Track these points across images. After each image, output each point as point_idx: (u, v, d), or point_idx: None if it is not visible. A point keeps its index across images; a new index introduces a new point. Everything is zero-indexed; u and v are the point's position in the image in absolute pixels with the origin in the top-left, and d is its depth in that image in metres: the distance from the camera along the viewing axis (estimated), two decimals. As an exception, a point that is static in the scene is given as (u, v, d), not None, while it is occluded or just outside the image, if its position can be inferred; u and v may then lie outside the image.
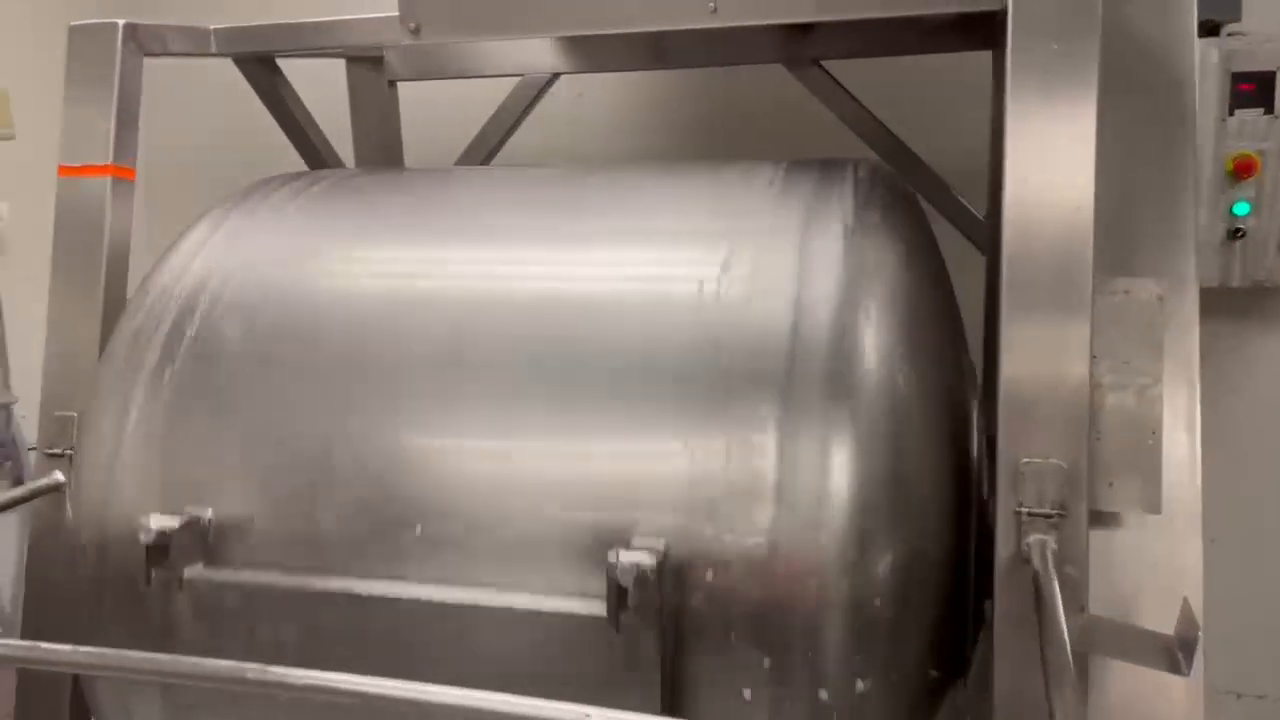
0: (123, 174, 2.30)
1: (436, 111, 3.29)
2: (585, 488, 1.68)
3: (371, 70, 3.15)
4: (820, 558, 1.57)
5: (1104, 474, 1.75)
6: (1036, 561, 1.61)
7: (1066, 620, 1.52)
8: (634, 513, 1.63)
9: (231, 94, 2.94)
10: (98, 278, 2.28)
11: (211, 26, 2.52)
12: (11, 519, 3.25)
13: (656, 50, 2.90)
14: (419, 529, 1.72)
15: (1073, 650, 1.48)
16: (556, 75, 3.02)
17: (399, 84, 3.23)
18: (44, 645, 1.41)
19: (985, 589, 1.76)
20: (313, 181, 2.27)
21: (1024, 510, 1.66)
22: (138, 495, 1.85)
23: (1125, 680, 1.74)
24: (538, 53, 2.97)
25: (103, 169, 2.28)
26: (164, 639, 1.80)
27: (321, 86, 3.14)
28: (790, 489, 1.58)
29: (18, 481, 3.56)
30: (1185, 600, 1.55)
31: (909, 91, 2.99)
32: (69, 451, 2.12)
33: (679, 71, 3.25)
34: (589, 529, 1.64)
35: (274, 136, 3.05)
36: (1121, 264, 1.85)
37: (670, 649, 1.60)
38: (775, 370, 1.64)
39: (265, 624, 1.77)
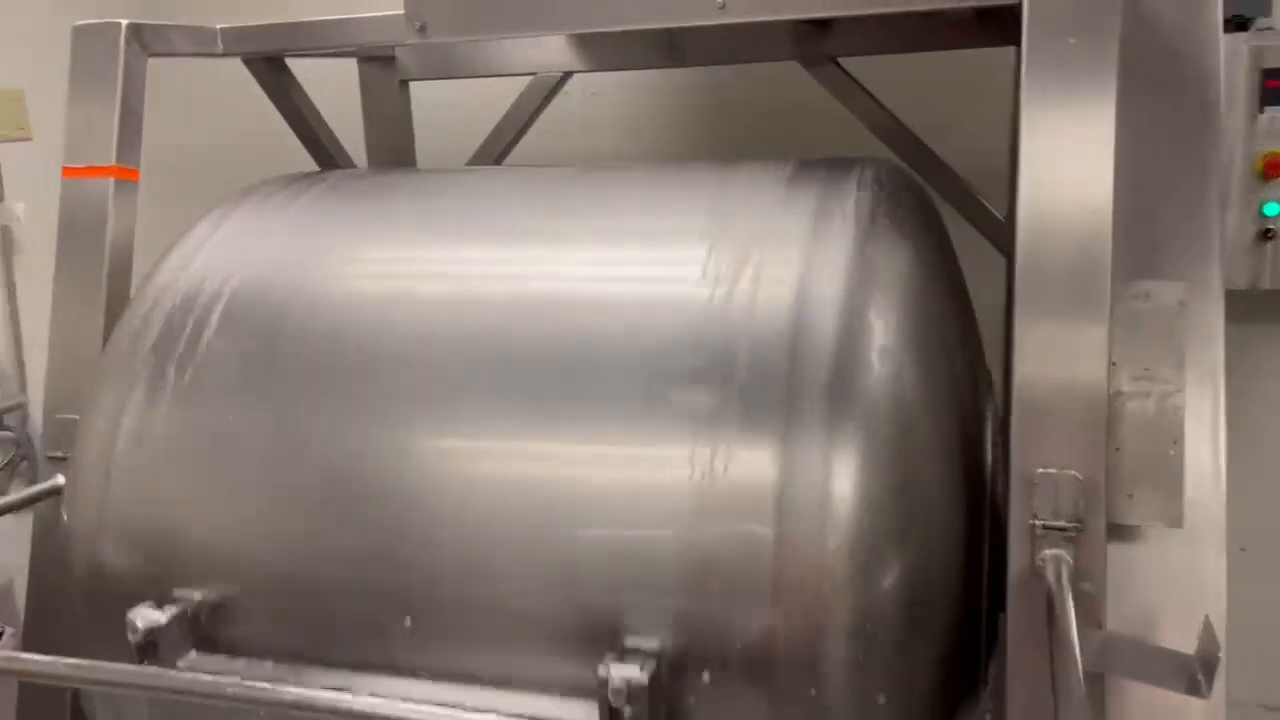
0: (126, 175, 2.28)
1: (450, 112, 3.27)
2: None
3: (383, 70, 3.13)
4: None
5: (1123, 486, 1.68)
6: (1050, 577, 1.55)
7: (1081, 638, 1.47)
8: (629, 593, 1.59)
9: (247, 95, 2.92)
10: (100, 279, 2.26)
11: (218, 26, 2.49)
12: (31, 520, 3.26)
13: (670, 48, 2.86)
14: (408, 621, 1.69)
15: (1089, 669, 1.42)
16: (569, 74, 2.98)
17: (412, 84, 3.20)
18: (23, 655, 1.38)
19: (1002, 601, 1.70)
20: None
21: (1038, 523, 1.60)
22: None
23: (1143, 698, 1.67)
24: (550, 51, 2.94)
25: (106, 170, 2.26)
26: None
27: (335, 87, 3.13)
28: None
29: (34, 482, 3.56)
30: (1206, 618, 1.49)
31: (930, 89, 2.93)
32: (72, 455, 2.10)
33: (694, 70, 3.20)
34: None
35: (291, 138, 3.03)
36: (1142, 267, 1.78)
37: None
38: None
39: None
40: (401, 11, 2.26)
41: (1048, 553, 1.59)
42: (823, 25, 2.66)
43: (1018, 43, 2.05)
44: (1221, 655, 1.46)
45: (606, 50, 2.91)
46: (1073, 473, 1.60)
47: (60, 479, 2.08)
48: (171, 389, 1.87)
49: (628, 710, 1.49)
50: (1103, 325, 1.62)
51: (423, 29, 2.28)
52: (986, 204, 2.66)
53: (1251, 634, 2.09)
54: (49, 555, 2.17)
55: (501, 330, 1.80)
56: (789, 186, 1.89)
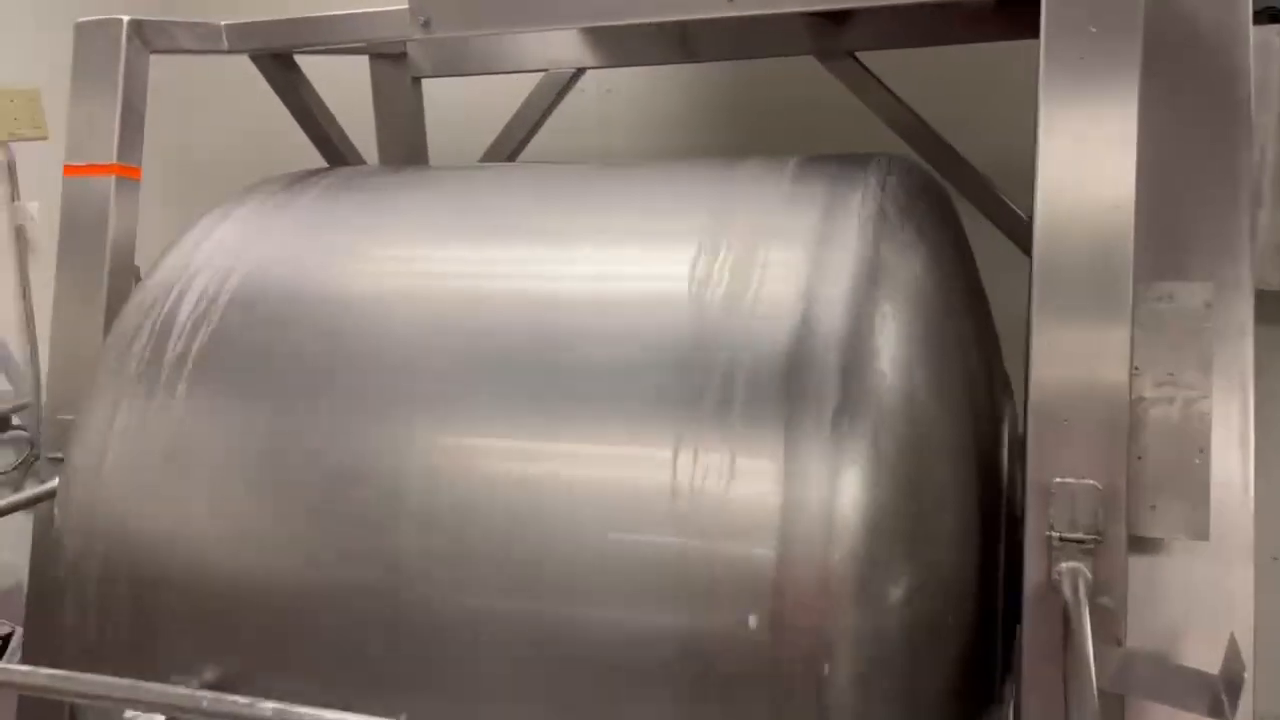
0: (127, 173, 2.25)
1: (463, 110, 3.23)
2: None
3: (394, 67, 3.09)
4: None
5: (1145, 496, 1.60)
6: (1067, 591, 1.48)
7: (1099, 655, 1.40)
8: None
9: (263, 93, 2.89)
10: (101, 279, 2.23)
11: (223, 22, 2.46)
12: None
13: (683, 43, 2.80)
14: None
15: (1107, 689, 1.35)
16: (581, 70, 2.93)
17: (424, 81, 3.16)
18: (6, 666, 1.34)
19: (1019, 614, 1.63)
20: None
21: (1055, 535, 1.53)
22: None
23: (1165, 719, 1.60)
24: (562, 47, 2.89)
25: (107, 168, 2.23)
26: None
27: (349, 86, 3.10)
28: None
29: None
30: (1232, 636, 1.42)
31: (949, 84, 2.86)
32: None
33: (710, 66, 3.15)
34: None
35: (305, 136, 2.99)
36: (1168, 268, 1.70)
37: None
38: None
39: None
40: (406, 7, 2.22)
41: (1065, 565, 1.53)
42: (839, 19, 2.60)
43: (1039, 34, 1.98)
44: (1248, 675, 1.39)
45: (619, 46, 2.87)
46: (1091, 482, 1.53)
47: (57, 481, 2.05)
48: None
49: None
50: (1124, 327, 1.55)
51: (427, 24, 2.23)
52: (1009, 202, 2.59)
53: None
54: (48, 553, 2.14)
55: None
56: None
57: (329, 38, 2.49)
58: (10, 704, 2.23)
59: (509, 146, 3.05)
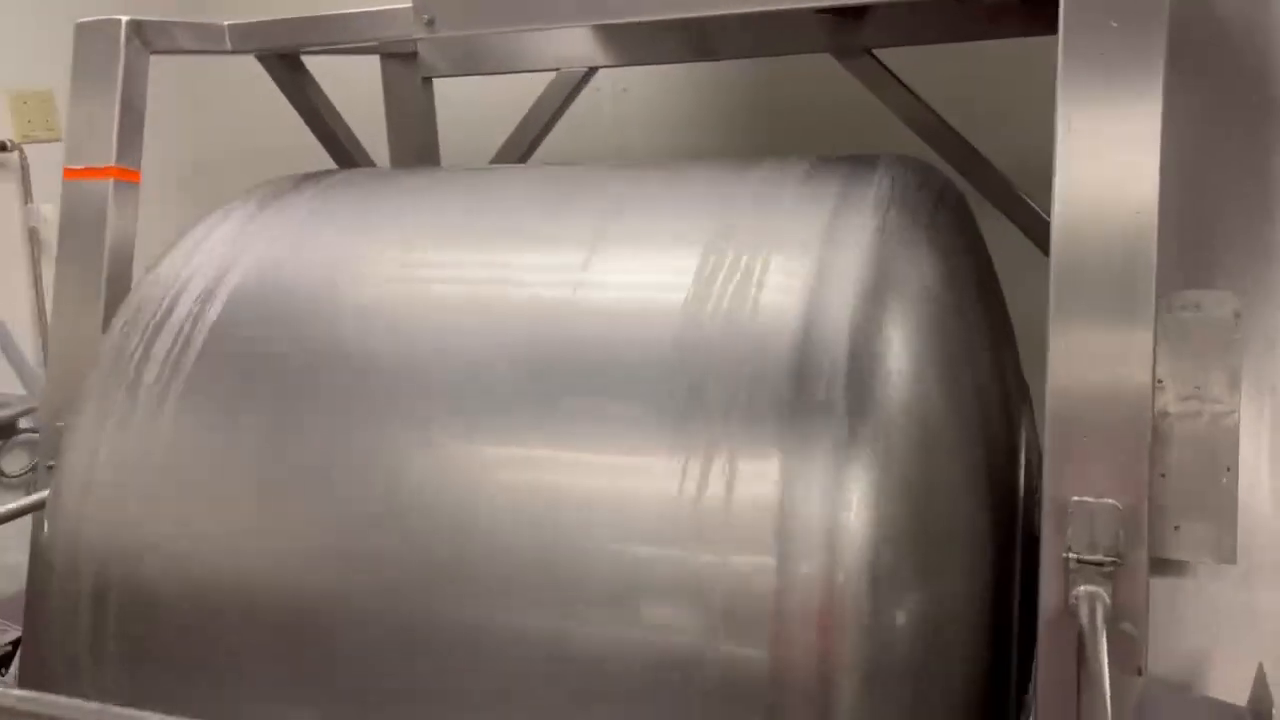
0: (126, 176, 2.22)
1: (475, 109, 3.19)
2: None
3: (405, 67, 3.05)
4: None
5: (1169, 516, 1.52)
6: (1083, 616, 1.41)
7: (1118, 686, 1.33)
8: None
9: (277, 94, 2.86)
10: (99, 284, 2.20)
11: (225, 22, 2.42)
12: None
13: (698, 41, 2.74)
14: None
15: (1124, 720, 1.28)
16: (594, 69, 2.88)
17: (435, 81, 3.12)
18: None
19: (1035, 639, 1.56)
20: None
21: (1072, 556, 1.46)
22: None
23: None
24: (575, 45, 2.84)
25: (105, 171, 2.20)
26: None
27: (359, 85, 3.06)
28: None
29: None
30: (1260, 666, 1.35)
31: (970, 82, 2.78)
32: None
33: (726, 65, 3.08)
34: None
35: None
36: (1195, 276, 1.63)
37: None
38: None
39: None
40: (410, 5, 2.17)
41: (1082, 589, 1.45)
42: (857, 16, 2.53)
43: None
44: (1277, 709, 1.31)
45: (632, 44, 2.81)
46: (1111, 501, 1.45)
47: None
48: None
49: None
50: (1147, 337, 1.46)
51: (431, 22, 2.18)
52: (1031, 203, 2.51)
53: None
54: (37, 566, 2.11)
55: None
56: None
57: (333, 37, 2.45)
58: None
59: (522, 146, 3.01)
